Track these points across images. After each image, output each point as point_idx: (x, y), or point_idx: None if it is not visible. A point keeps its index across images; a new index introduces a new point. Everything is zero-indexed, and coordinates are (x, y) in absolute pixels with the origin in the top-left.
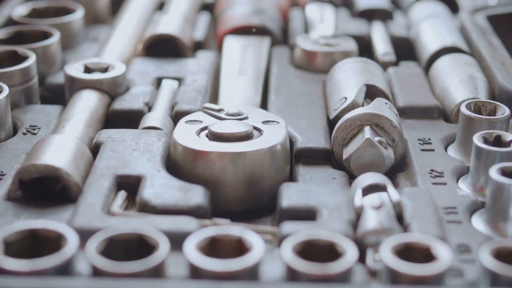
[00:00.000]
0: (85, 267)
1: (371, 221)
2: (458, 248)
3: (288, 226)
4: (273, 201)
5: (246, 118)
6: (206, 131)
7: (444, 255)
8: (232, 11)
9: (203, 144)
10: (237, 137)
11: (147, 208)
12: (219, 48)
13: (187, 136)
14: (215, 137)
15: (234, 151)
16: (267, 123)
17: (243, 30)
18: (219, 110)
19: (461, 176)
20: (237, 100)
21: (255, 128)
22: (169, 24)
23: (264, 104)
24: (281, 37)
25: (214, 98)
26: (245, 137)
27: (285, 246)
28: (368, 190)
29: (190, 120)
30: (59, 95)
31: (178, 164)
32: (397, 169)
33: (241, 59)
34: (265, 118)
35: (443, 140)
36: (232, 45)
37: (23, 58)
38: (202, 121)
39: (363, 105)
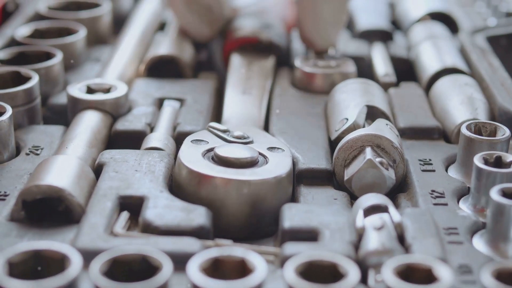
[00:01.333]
0: None
1: (372, 242)
2: (459, 269)
3: (290, 247)
4: (275, 222)
5: (251, 142)
6: (211, 153)
7: (445, 276)
8: (239, 24)
9: (209, 168)
10: (243, 163)
11: (150, 229)
12: (225, 63)
13: (193, 157)
14: (220, 160)
15: (240, 178)
16: (272, 150)
17: (250, 45)
18: (225, 131)
19: (462, 196)
20: (241, 120)
21: (260, 153)
22: (171, 45)
23: (266, 123)
24: (287, 53)
25: (218, 117)
26: (251, 163)
27: (288, 267)
28: (370, 211)
29: (196, 140)
30: (61, 116)
31: (182, 185)
32: (398, 190)
33: (246, 76)
34: (270, 144)
35: (443, 160)
36: (238, 62)
37: (26, 79)
38: (208, 142)
39: (364, 126)
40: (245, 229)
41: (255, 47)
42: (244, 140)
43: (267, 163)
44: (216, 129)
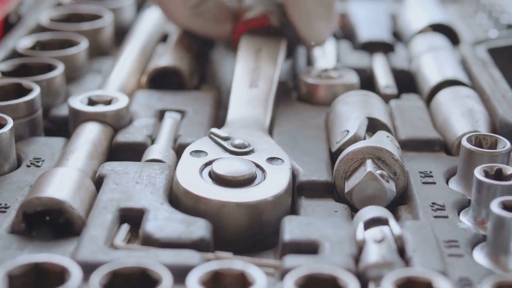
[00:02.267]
0: None
1: (373, 255)
2: (459, 282)
3: (290, 260)
4: (276, 234)
5: (251, 151)
6: (209, 168)
7: None
8: (249, 6)
9: (204, 189)
10: (240, 182)
11: (150, 241)
12: (235, 46)
13: (190, 174)
14: (217, 178)
15: (235, 201)
16: (272, 162)
17: (260, 28)
18: (226, 139)
19: (462, 209)
20: (245, 123)
21: (258, 166)
22: (173, 56)
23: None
24: (297, 41)
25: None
26: (248, 181)
27: (288, 280)
28: (370, 223)
29: (195, 151)
30: (63, 127)
31: (179, 202)
32: (399, 202)
33: (254, 65)
34: (270, 154)
35: (444, 173)
36: (247, 46)
37: (28, 91)
38: (207, 153)
39: (365, 138)
40: (245, 243)
41: (265, 31)
42: (244, 150)
43: (264, 178)
44: (217, 136)
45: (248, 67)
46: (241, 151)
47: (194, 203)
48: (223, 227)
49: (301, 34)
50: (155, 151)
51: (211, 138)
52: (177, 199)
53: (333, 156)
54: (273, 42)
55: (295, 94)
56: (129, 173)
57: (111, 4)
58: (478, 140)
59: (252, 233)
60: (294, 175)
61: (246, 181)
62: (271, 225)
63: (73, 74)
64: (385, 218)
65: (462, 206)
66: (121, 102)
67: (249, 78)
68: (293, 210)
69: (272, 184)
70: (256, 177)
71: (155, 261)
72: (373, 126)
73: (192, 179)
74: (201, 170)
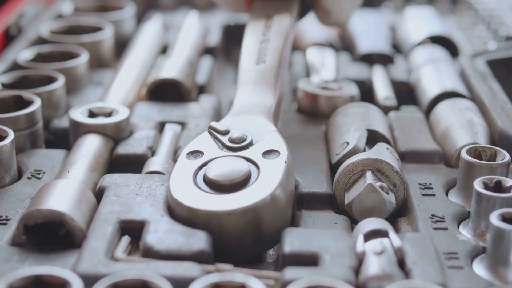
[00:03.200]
0: None
1: (373, 267)
2: None
3: (290, 272)
4: (275, 234)
5: (250, 144)
6: (204, 170)
7: None
8: None
9: (197, 199)
10: (233, 185)
11: (151, 253)
12: (248, 8)
13: (183, 182)
14: (210, 183)
15: (225, 209)
16: (268, 155)
17: None
18: (224, 133)
19: (462, 221)
20: (249, 108)
21: (253, 163)
22: (173, 68)
23: None
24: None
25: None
26: (242, 183)
27: None
28: (370, 235)
29: (191, 152)
30: (63, 139)
31: (173, 212)
32: (398, 214)
33: (262, 38)
34: (268, 146)
35: (444, 184)
36: (257, 15)
37: (28, 103)
38: (203, 153)
39: (364, 150)
40: (244, 248)
41: None
42: (241, 144)
43: (258, 176)
44: (215, 131)
45: (255, 40)
46: (238, 146)
47: (185, 213)
48: (218, 236)
49: (328, 9)
50: (155, 163)
51: (210, 133)
52: (171, 209)
53: (333, 167)
54: (284, 7)
55: (294, 106)
56: (130, 185)
57: (111, 16)
58: (477, 152)
59: (248, 234)
60: (294, 187)
61: (239, 184)
62: (268, 225)
63: (73, 86)
64: (385, 230)
65: (462, 218)
66: (122, 114)
67: (256, 53)
68: (294, 222)
69: (265, 183)
70: (250, 177)
71: (156, 273)
72: (373, 138)
73: (186, 186)
74: (196, 173)
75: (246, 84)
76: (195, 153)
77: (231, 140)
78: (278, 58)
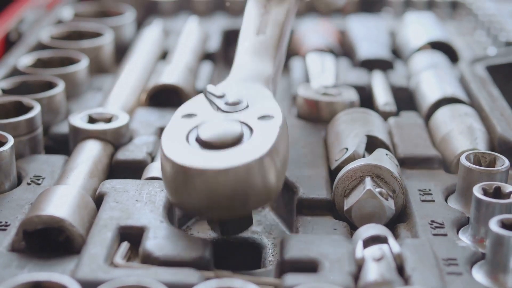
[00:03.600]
0: None
1: (372, 273)
2: None
3: (290, 278)
4: (263, 201)
5: (246, 107)
6: (197, 130)
7: None
8: None
9: (187, 155)
10: (226, 145)
11: (150, 260)
12: None
13: (176, 141)
14: (203, 143)
15: (216, 168)
16: (263, 119)
17: None
18: (220, 97)
19: (461, 227)
20: (247, 75)
21: (247, 125)
22: (173, 74)
23: None
24: None
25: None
26: (235, 143)
27: None
28: (369, 241)
29: (187, 115)
30: (63, 145)
31: (165, 169)
32: (398, 220)
33: (263, 10)
34: (263, 111)
35: (443, 190)
36: None
37: (28, 109)
38: (197, 115)
39: (364, 156)
40: (233, 206)
41: None
42: (236, 108)
43: (251, 138)
44: (212, 95)
45: (257, 12)
46: (233, 110)
47: (176, 171)
48: (208, 194)
49: None
50: (155, 169)
51: (206, 96)
52: (162, 167)
53: (332, 173)
54: None
55: (294, 111)
56: (129, 191)
57: (111, 22)
58: (476, 158)
59: (240, 195)
60: (293, 193)
61: (231, 145)
62: (256, 188)
63: (73, 91)
64: (384, 236)
65: (461, 224)
66: (121, 119)
67: (257, 24)
68: (293, 228)
69: (256, 145)
70: (242, 139)
71: (155, 279)
72: (372, 144)
73: (177, 145)
74: (188, 133)
75: (245, 53)
76: (190, 116)
77: (227, 104)
78: (279, 30)
